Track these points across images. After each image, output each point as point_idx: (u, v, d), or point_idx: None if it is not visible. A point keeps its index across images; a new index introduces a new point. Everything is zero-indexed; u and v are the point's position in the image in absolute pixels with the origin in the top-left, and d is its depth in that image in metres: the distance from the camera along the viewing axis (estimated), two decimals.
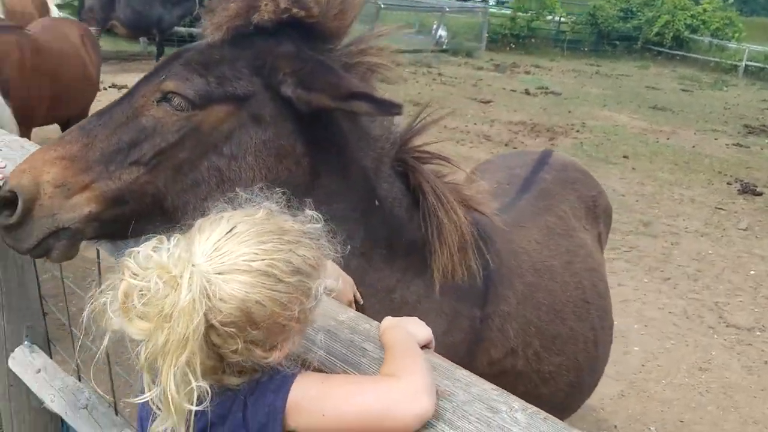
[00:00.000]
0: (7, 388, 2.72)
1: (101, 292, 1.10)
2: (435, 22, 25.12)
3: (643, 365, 4.90)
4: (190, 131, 1.52)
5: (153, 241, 1.09)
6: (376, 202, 1.78)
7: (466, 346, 1.96)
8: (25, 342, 2.66)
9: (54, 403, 2.45)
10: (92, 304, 1.10)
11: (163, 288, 1.02)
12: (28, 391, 2.64)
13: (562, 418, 2.41)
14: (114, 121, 1.52)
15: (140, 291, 1.03)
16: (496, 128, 12.66)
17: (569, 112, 15.00)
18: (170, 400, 1.04)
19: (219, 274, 1.03)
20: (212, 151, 1.54)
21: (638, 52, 29.09)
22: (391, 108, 1.55)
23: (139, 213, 1.52)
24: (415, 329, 1.35)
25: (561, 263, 2.35)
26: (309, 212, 1.22)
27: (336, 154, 1.68)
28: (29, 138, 5.34)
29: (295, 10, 1.54)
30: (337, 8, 1.61)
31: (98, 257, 1.99)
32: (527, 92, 17.31)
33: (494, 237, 2.08)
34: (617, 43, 29.68)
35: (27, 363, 2.59)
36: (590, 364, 2.36)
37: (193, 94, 1.50)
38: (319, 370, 1.34)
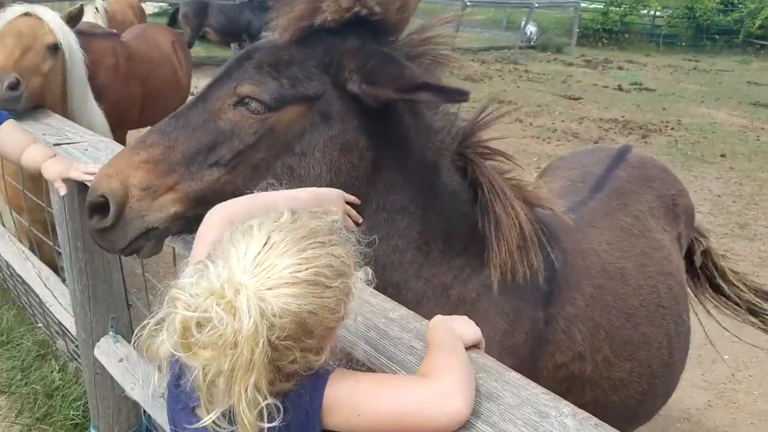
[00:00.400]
0: (93, 376, 2.86)
1: (152, 327, 1.09)
2: (523, 18, 24.67)
3: (733, 375, 4.61)
4: (265, 132, 1.56)
5: (193, 268, 1.08)
6: (435, 195, 1.76)
7: (528, 348, 1.90)
8: (110, 332, 2.79)
9: (134, 391, 2.55)
10: (145, 340, 1.10)
11: (224, 316, 1.00)
12: (113, 379, 2.77)
13: (633, 427, 2.33)
14: (192, 124, 1.57)
15: (198, 323, 1.02)
16: (586, 125, 12.28)
17: (664, 109, 14.36)
18: (246, 422, 1.04)
19: (268, 290, 1.02)
20: (285, 149, 1.58)
21: (739, 47, 27.41)
22: (456, 95, 1.54)
23: None
24: (463, 328, 1.32)
25: (634, 265, 2.24)
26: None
27: (397, 148, 1.69)
28: (125, 141, 5.64)
29: (357, 9, 1.56)
30: (399, 2, 1.62)
31: (174, 254, 2.07)
32: (620, 88, 16.71)
33: (561, 236, 2.01)
34: (717, 37, 28.09)
35: (111, 352, 2.72)
36: (664, 372, 2.24)
37: (269, 98, 1.54)
38: (367, 368, 1.33)
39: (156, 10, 18.58)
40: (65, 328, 3.10)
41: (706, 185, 8.84)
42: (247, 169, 1.57)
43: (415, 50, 1.66)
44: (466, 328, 1.33)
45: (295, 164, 1.59)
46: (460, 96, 1.53)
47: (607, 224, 2.33)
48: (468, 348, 1.29)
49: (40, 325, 3.96)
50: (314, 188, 1.52)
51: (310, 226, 1.12)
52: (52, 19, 3.35)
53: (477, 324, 1.76)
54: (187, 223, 1.59)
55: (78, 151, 2.47)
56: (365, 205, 1.67)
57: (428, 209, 1.74)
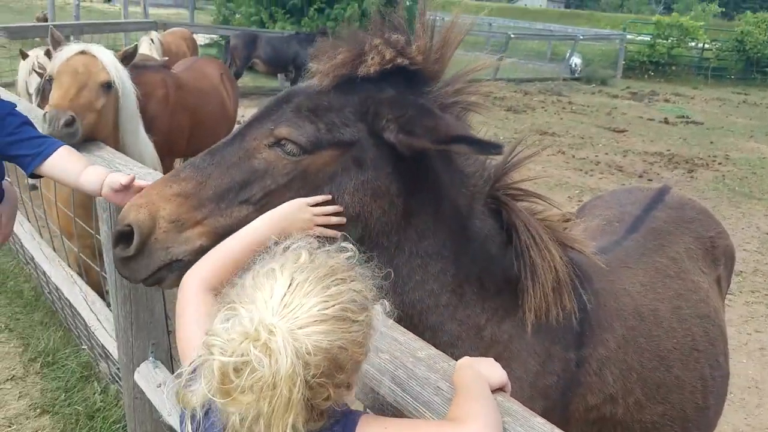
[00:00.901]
0: (132, 400, 2.93)
1: (188, 377, 1.11)
2: (568, 50, 24.64)
3: None
4: (298, 174, 1.58)
5: (223, 314, 1.09)
6: (468, 239, 1.77)
7: (560, 390, 1.89)
8: (150, 357, 2.86)
9: (171, 417, 2.61)
10: (180, 390, 1.12)
11: (262, 358, 1.02)
12: (151, 404, 2.83)
13: None
14: (226, 161, 1.60)
15: (235, 367, 1.03)
16: (630, 159, 12.14)
17: (711, 143, 14.12)
18: None
19: (300, 329, 1.04)
20: (315, 191, 1.59)
21: None
22: (491, 148, 1.56)
23: None
24: (489, 371, 1.33)
25: (668, 307, 2.22)
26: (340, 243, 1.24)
27: (429, 193, 1.71)
28: (172, 169, 5.81)
29: (399, 60, 1.60)
30: (438, 53, 1.66)
31: None
32: (666, 122, 16.51)
33: (593, 277, 2.01)
34: None
35: (150, 377, 2.78)
36: (698, 416, 2.20)
37: (305, 141, 1.56)
38: (393, 407, 1.36)
39: (207, 42, 19.14)
40: (108, 351, 3.20)
41: (754, 222, 8.64)
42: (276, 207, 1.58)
43: (449, 99, 1.68)
44: (492, 371, 1.34)
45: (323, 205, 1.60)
46: (494, 149, 1.56)
47: (642, 265, 2.32)
48: (493, 391, 1.30)
49: (84, 347, 4.08)
50: (269, 213, 1.51)
51: (329, 264, 1.15)
52: (106, 58, 3.51)
53: (509, 365, 1.79)
54: None
55: None
56: (398, 251, 1.69)
57: (462, 253, 1.75)
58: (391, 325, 1.59)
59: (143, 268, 1.58)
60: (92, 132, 3.36)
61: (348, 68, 1.60)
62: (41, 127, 3.13)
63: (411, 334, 1.56)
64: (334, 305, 1.08)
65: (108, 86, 3.46)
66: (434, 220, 1.71)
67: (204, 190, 1.57)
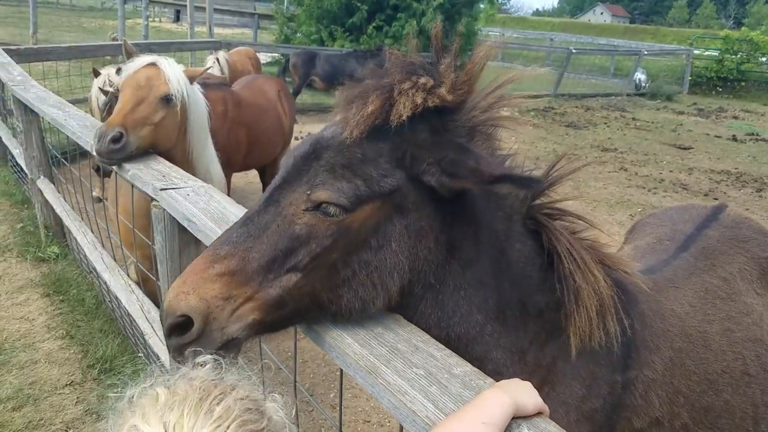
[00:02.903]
0: None
1: None
2: (632, 65, 24.16)
3: None
4: (342, 233, 1.54)
5: None
6: (508, 264, 1.74)
7: (605, 414, 1.85)
8: None
9: None
10: None
11: None
12: None
13: None
14: (265, 231, 1.55)
15: None
16: (695, 177, 11.79)
17: None
18: None
19: None
20: (361, 246, 1.56)
21: None
22: (531, 184, 1.55)
23: (297, 311, 1.58)
24: (523, 397, 1.30)
25: (718, 330, 2.15)
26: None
27: (469, 223, 1.68)
28: (230, 182, 5.97)
29: (430, 103, 1.55)
30: (465, 85, 1.60)
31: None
32: (734, 139, 16.00)
33: (638, 297, 1.96)
34: None
35: None
36: None
37: (346, 201, 1.52)
38: (425, 424, 1.34)
39: (269, 60, 19.62)
40: (161, 360, 3.30)
41: None
42: (324, 269, 1.55)
43: (479, 117, 1.64)
44: (525, 397, 1.31)
45: (371, 258, 1.57)
46: (536, 184, 1.54)
47: (691, 285, 2.25)
48: (532, 416, 1.29)
49: (141, 354, 4.21)
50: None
51: (195, 386, 1.05)
52: (171, 71, 3.57)
53: (554, 389, 1.78)
54: (266, 328, 1.58)
55: (180, 196, 2.66)
56: (443, 287, 1.66)
57: (503, 279, 1.72)
58: (427, 340, 1.59)
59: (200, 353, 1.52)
60: (151, 145, 3.46)
61: (379, 118, 1.55)
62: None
63: (447, 350, 1.55)
64: (229, 425, 1.00)
65: (167, 99, 3.52)
66: (476, 249, 1.68)
67: (249, 265, 1.53)
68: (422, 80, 1.56)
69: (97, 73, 6.68)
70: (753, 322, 2.28)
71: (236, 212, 2.50)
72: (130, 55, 3.73)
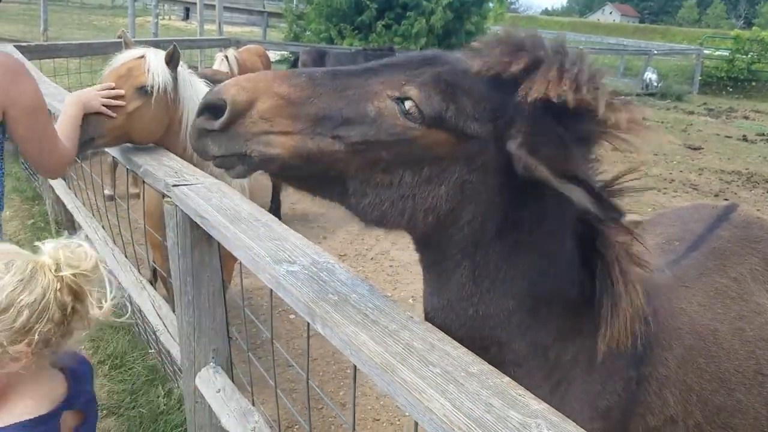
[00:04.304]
0: (193, 404, 3.03)
1: None
2: (642, 64, 24.08)
3: None
4: (404, 140, 1.47)
5: None
6: (553, 261, 1.69)
7: (621, 411, 1.84)
8: (211, 363, 2.96)
9: (228, 422, 2.69)
10: None
11: None
12: (210, 409, 2.92)
13: None
14: (343, 90, 1.50)
15: None
16: (705, 177, 11.75)
17: None
18: None
19: None
20: (412, 165, 1.49)
21: None
22: (609, 213, 1.40)
23: (317, 179, 1.53)
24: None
25: (729, 329, 2.14)
26: None
27: (532, 211, 1.60)
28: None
29: (580, 104, 1.42)
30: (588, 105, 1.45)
31: (271, 296, 2.20)
32: (745, 139, 15.93)
33: (651, 294, 1.96)
34: None
35: (210, 382, 2.86)
36: None
37: (429, 113, 1.45)
38: (442, 422, 1.33)
39: (278, 58, 19.66)
40: (172, 355, 3.32)
41: None
42: (365, 160, 1.48)
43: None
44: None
45: (414, 183, 1.50)
46: (612, 214, 1.41)
47: (701, 285, 2.25)
48: None
49: (152, 350, 4.25)
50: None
51: None
52: (153, 62, 3.46)
53: (571, 385, 1.75)
54: (279, 170, 1.53)
55: (193, 192, 2.67)
56: (484, 262, 1.60)
57: (546, 274, 1.68)
58: (443, 338, 1.58)
59: (217, 147, 1.49)
60: (124, 134, 3.37)
61: (514, 75, 1.46)
62: None
63: (463, 349, 1.53)
64: None
65: (144, 90, 3.38)
66: (530, 239, 1.62)
67: (308, 106, 1.46)
68: (568, 76, 1.43)
69: None
70: (765, 322, 2.27)
71: (249, 209, 2.52)
72: (128, 47, 3.69)
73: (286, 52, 19.16)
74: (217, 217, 2.42)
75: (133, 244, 4.03)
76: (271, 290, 2.06)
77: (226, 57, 9.81)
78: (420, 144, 1.48)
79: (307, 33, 19.38)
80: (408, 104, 1.46)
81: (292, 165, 1.49)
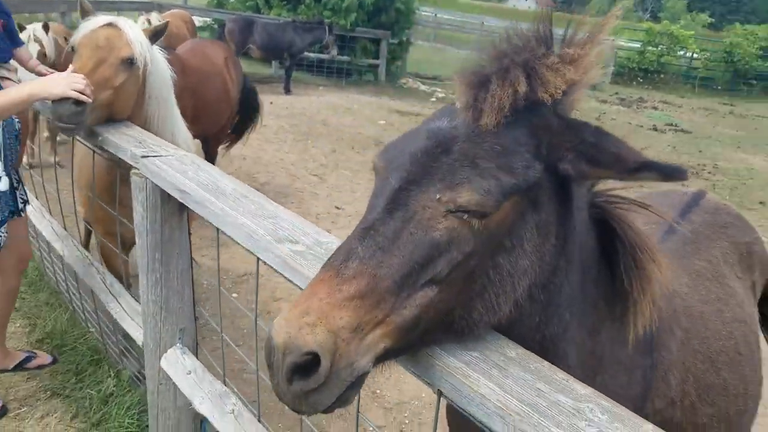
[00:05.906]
0: (156, 386, 2.88)
1: None
2: None
3: None
4: (483, 236, 1.34)
5: None
6: (587, 254, 1.64)
7: (640, 399, 1.84)
8: (178, 344, 2.82)
9: (202, 405, 2.56)
10: None
11: None
12: (175, 391, 2.79)
13: None
14: (396, 242, 1.32)
15: None
16: None
17: (700, 151, 14.32)
18: None
19: None
20: (498, 248, 1.37)
21: None
22: (679, 175, 1.33)
23: (426, 332, 1.36)
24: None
25: (712, 310, 2.23)
26: None
27: (572, 215, 1.53)
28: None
29: (567, 86, 1.39)
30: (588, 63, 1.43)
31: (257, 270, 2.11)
32: (655, 129, 16.70)
33: None
34: (754, 82, 28.02)
35: (178, 364, 2.73)
36: (739, 419, 2.22)
37: (493, 201, 1.32)
38: (494, 407, 1.29)
39: (200, 24, 18.93)
40: (129, 335, 3.15)
41: None
42: (461, 279, 1.34)
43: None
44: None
45: (505, 261, 1.38)
46: (682, 175, 1.33)
47: (683, 268, 2.32)
48: None
49: (92, 330, 4.02)
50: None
51: None
52: (133, 33, 3.31)
53: (604, 378, 1.73)
54: (391, 355, 1.35)
55: (165, 165, 2.52)
56: (553, 287, 1.52)
57: (582, 271, 1.62)
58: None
59: (327, 397, 1.27)
60: (108, 110, 3.19)
61: (522, 100, 1.37)
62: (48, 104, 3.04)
63: (495, 332, 1.48)
64: None
65: (130, 62, 3.26)
66: (574, 243, 1.55)
67: (381, 283, 1.28)
68: (552, 60, 1.39)
69: (22, 28, 6.25)
70: (737, 304, 2.38)
71: (229, 184, 2.40)
72: (86, 14, 3.46)
73: (209, 19, 18.44)
74: (199, 191, 2.30)
75: (76, 215, 3.78)
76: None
77: (148, 21, 9.23)
78: (494, 227, 1.35)
79: (232, 0, 18.73)
80: (467, 207, 1.32)
81: (402, 343, 1.33)
